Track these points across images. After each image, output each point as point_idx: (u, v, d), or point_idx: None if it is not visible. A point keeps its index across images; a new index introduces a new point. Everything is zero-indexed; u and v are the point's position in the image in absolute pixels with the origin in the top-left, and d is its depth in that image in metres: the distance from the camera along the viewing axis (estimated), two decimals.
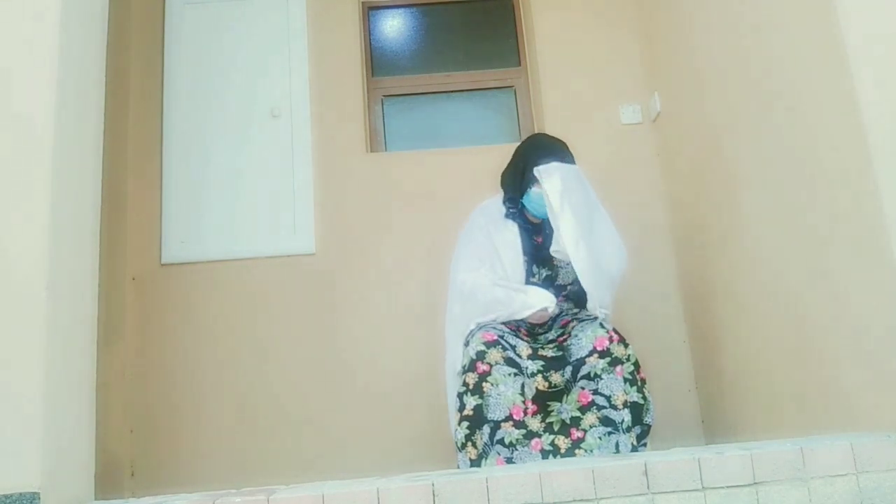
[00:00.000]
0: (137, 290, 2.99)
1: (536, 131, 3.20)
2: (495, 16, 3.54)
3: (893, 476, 1.44)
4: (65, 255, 1.58)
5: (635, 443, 2.07)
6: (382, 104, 3.39)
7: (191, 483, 2.43)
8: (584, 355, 2.13)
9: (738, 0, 2.28)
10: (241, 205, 3.10)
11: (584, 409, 2.10)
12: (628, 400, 2.08)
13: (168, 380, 2.91)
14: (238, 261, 3.04)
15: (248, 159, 3.15)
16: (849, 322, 1.79)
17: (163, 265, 3.03)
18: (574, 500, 1.40)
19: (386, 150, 3.33)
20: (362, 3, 3.45)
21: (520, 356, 2.15)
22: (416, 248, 3.05)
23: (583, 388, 2.12)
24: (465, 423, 2.08)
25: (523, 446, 2.06)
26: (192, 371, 2.92)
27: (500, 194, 2.46)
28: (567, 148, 2.35)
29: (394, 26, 3.55)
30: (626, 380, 2.10)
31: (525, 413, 2.10)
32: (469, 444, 2.06)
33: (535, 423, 2.10)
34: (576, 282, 2.26)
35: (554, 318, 2.32)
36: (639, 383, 2.12)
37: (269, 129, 3.19)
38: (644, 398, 2.11)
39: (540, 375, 2.13)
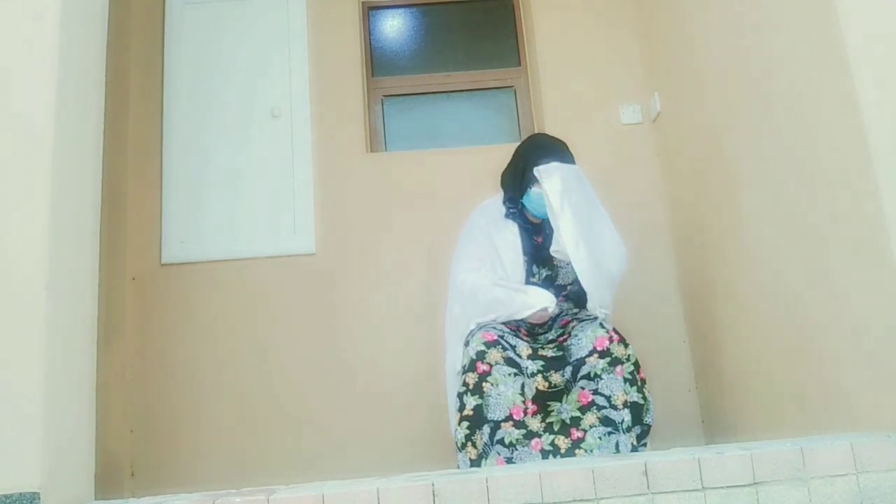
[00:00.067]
0: (137, 290, 2.99)
1: (536, 131, 3.20)
2: (495, 16, 3.54)
3: (893, 476, 1.44)
4: (65, 255, 1.58)
5: (635, 443, 2.07)
6: (382, 104, 3.39)
7: (191, 483, 2.43)
8: (584, 355, 2.13)
9: (738, 0, 2.28)
10: (241, 205, 3.10)
11: (584, 409, 2.10)
12: (628, 400, 2.08)
13: (168, 380, 2.91)
14: (238, 261, 3.04)
15: (248, 159, 3.15)
16: (849, 322, 1.79)
17: (163, 265, 3.03)
18: (574, 500, 1.40)
19: (386, 150, 3.33)
20: (362, 3, 3.46)
21: (520, 356, 2.15)
22: (416, 248, 3.05)
23: (583, 388, 2.12)
24: (465, 423, 2.08)
25: (523, 446, 2.06)
26: (192, 371, 2.92)
27: (501, 194, 2.46)
28: (567, 148, 2.35)
29: (394, 26, 3.55)
30: (626, 380, 2.10)
31: (525, 413, 2.10)
32: (469, 444, 2.06)
33: (535, 423, 2.10)
34: (576, 282, 2.26)
35: (554, 318, 2.32)
36: (639, 383, 2.12)
37: (269, 129, 3.19)
38: (644, 398, 2.11)
39: (540, 375, 2.13)
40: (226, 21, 3.29)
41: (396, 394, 2.90)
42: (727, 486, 1.42)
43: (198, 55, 3.24)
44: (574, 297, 2.37)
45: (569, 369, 2.14)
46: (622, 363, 2.12)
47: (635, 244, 2.61)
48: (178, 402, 2.89)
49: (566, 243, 2.18)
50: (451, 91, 3.43)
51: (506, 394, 2.09)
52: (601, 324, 2.18)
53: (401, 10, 3.56)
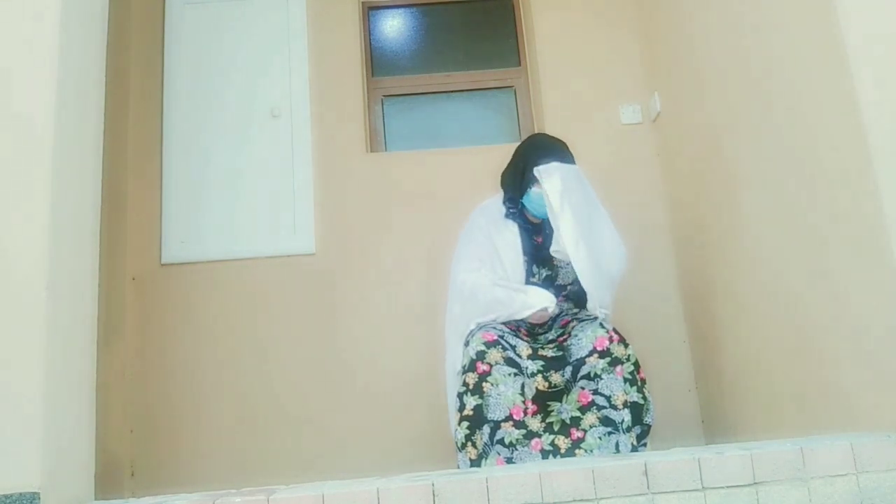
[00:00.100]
0: (137, 290, 2.99)
1: (536, 131, 3.20)
2: (495, 16, 3.54)
3: (893, 476, 1.44)
4: (65, 255, 1.58)
5: (635, 443, 2.07)
6: (382, 104, 3.39)
7: (191, 483, 2.43)
8: (584, 355, 2.13)
9: (738, 0, 2.28)
10: (241, 205, 3.10)
11: (584, 409, 2.10)
12: (628, 400, 2.08)
13: (168, 380, 2.91)
14: (238, 261, 3.04)
15: (248, 159, 3.15)
16: (849, 322, 1.79)
17: (163, 265, 3.03)
18: (574, 500, 1.40)
19: (386, 150, 3.33)
20: (362, 3, 3.46)
21: (520, 356, 2.15)
22: (416, 248, 3.05)
23: (583, 388, 2.12)
24: (465, 423, 2.08)
25: (523, 446, 2.06)
26: (192, 371, 2.92)
27: (501, 194, 2.46)
28: (567, 148, 2.35)
29: (394, 26, 3.55)
30: (626, 380, 2.10)
31: (525, 413, 2.10)
32: (469, 444, 2.06)
33: (535, 423, 2.10)
34: (576, 282, 2.26)
35: (554, 318, 2.32)
36: (639, 383, 2.12)
37: (269, 129, 3.19)
38: (644, 398, 2.11)
39: (540, 375, 2.13)
40: (226, 21, 3.29)
41: (396, 394, 2.90)
42: (727, 486, 1.42)
43: (198, 55, 3.24)
44: (574, 297, 2.37)
45: (569, 369, 2.14)
46: (622, 363, 2.12)
47: (635, 244, 2.61)
48: (178, 402, 2.89)
49: (566, 243, 2.18)
50: (451, 91, 3.43)
51: (506, 394, 2.09)
52: (601, 324, 2.18)
53: (401, 10, 3.56)
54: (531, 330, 2.31)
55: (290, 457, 2.83)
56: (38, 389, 1.45)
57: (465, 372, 2.13)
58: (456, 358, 2.29)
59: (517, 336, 2.23)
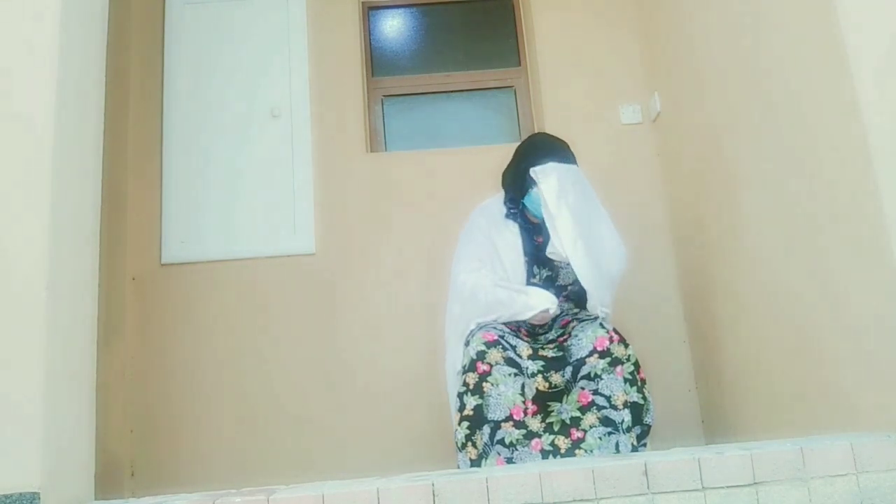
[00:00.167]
0: (137, 290, 2.99)
1: (536, 131, 3.19)
2: (495, 16, 3.54)
3: (893, 476, 1.44)
4: (65, 255, 1.58)
5: (635, 443, 2.06)
6: (382, 104, 3.39)
7: (191, 483, 2.43)
8: (584, 355, 2.13)
9: (738, 0, 2.28)
10: (241, 205, 3.10)
11: (584, 409, 2.10)
12: (628, 400, 2.08)
13: (168, 380, 2.91)
14: (238, 261, 3.04)
15: (248, 159, 3.15)
16: (849, 322, 1.79)
17: (163, 265, 3.03)
18: (574, 500, 1.40)
19: (386, 150, 3.33)
20: (362, 3, 3.46)
21: (520, 356, 2.15)
22: (416, 248, 3.05)
23: (583, 389, 2.12)
24: (466, 423, 2.08)
25: (523, 446, 2.06)
26: (192, 371, 2.92)
27: (501, 194, 2.46)
28: (568, 147, 2.35)
29: (394, 26, 3.55)
30: (626, 380, 2.10)
31: (525, 413, 2.10)
32: (469, 444, 2.06)
33: (535, 424, 2.10)
34: (576, 282, 2.26)
35: (554, 319, 2.32)
36: (639, 383, 2.12)
37: (269, 129, 3.19)
38: (644, 398, 2.11)
39: (540, 376, 2.13)
40: (226, 21, 3.29)
41: (396, 394, 2.90)
42: (727, 486, 1.42)
43: (198, 55, 3.24)
44: (574, 297, 2.37)
45: (569, 369, 2.14)
46: (622, 363, 2.11)
47: (635, 244, 2.61)
48: (178, 402, 2.89)
49: (564, 243, 2.18)
50: (451, 91, 3.43)
51: (506, 394, 2.09)
52: (601, 324, 2.18)
53: (401, 10, 3.56)
54: (531, 330, 2.31)
55: (290, 457, 2.83)
56: (38, 389, 1.45)
57: (465, 372, 2.13)
58: (456, 358, 2.29)
59: (517, 336, 2.23)
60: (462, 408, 2.10)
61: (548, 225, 2.24)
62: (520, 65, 3.46)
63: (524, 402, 2.10)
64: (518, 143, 2.55)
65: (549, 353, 2.17)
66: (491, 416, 2.07)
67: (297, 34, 3.29)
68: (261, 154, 3.16)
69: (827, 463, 1.44)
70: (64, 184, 1.60)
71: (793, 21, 1.94)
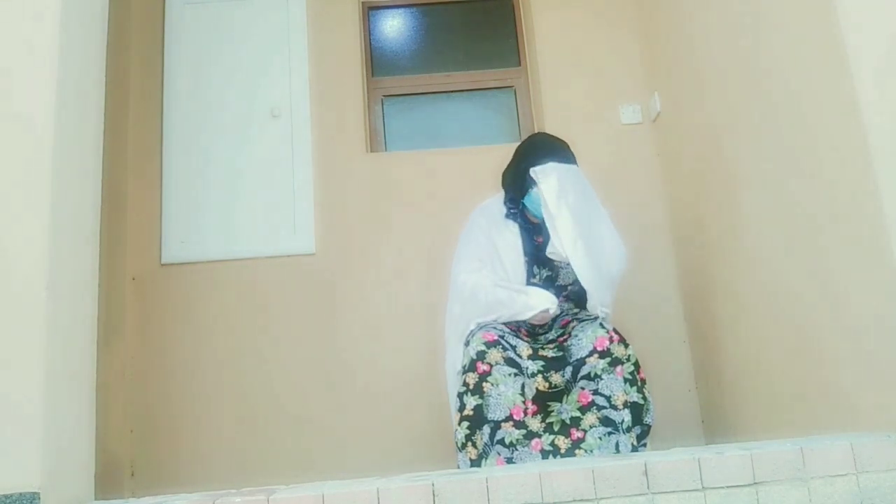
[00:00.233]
0: (137, 290, 2.99)
1: (536, 131, 3.19)
2: (495, 16, 3.54)
3: (893, 476, 1.44)
4: (65, 255, 1.58)
5: (635, 443, 2.06)
6: (382, 104, 3.39)
7: (191, 483, 2.43)
8: (584, 355, 2.13)
9: (738, 0, 2.28)
10: (241, 205, 3.10)
11: (584, 409, 2.10)
12: (628, 400, 2.08)
13: (168, 380, 2.91)
14: (238, 261, 3.04)
15: (248, 159, 3.15)
16: (849, 322, 1.79)
17: (163, 265, 3.03)
18: (574, 500, 1.40)
19: (386, 150, 3.33)
20: (362, 3, 3.46)
21: (520, 356, 2.15)
22: (416, 248, 3.05)
23: (583, 389, 2.12)
24: (466, 423, 2.08)
25: (523, 446, 2.06)
26: (192, 371, 2.92)
27: (501, 194, 2.46)
28: (568, 147, 2.35)
29: (394, 26, 3.55)
30: (626, 380, 2.10)
31: (525, 413, 2.10)
32: (469, 444, 2.06)
33: (535, 424, 2.10)
34: (576, 282, 2.26)
35: (554, 319, 2.32)
36: (639, 383, 2.12)
37: (269, 129, 3.19)
38: (644, 398, 2.11)
39: (540, 376, 2.13)
40: (226, 21, 3.30)
41: (396, 394, 2.90)
42: (727, 486, 1.42)
43: (198, 55, 3.24)
44: (575, 297, 2.37)
45: (569, 369, 2.14)
46: (622, 363, 2.11)
47: (635, 244, 2.61)
48: (178, 402, 2.89)
49: (564, 243, 2.18)
50: (451, 91, 3.43)
51: (506, 394, 2.09)
52: (601, 324, 2.17)
53: (401, 10, 3.56)
54: (531, 330, 2.31)
55: (290, 457, 2.83)
56: (38, 389, 1.45)
57: (465, 372, 2.13)
58: (456, 358, 2.29)
59: (517, 336, 2.23)
60: (462, 408, 2.10)
61: (548, 225, 2.24)
62: (520, 65, 3.46)
63: (524, 402, 2.10)
64: (518, 143, 2.55)
65: (549, 353, 2.17)
66: (491, 416, 2.07)
67: (297, 34, 3.29)
68: (261, 154, 3.16)
69: (827, 463, 1.44)
70: (64, 184, 1.60)
71: (793, 21, 1.94)
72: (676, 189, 3.02)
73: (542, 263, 2.34)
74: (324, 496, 1.39)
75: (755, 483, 1.42)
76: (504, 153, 2.52)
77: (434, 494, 1.40)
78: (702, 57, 2.62)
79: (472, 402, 2.09)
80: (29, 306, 1.48)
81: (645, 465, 1.42)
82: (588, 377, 2.11)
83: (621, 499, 1.40)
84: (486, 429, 2.06)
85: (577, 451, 2.05)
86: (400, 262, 3.05)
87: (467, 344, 2.19)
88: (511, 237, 2.37)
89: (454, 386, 2.24)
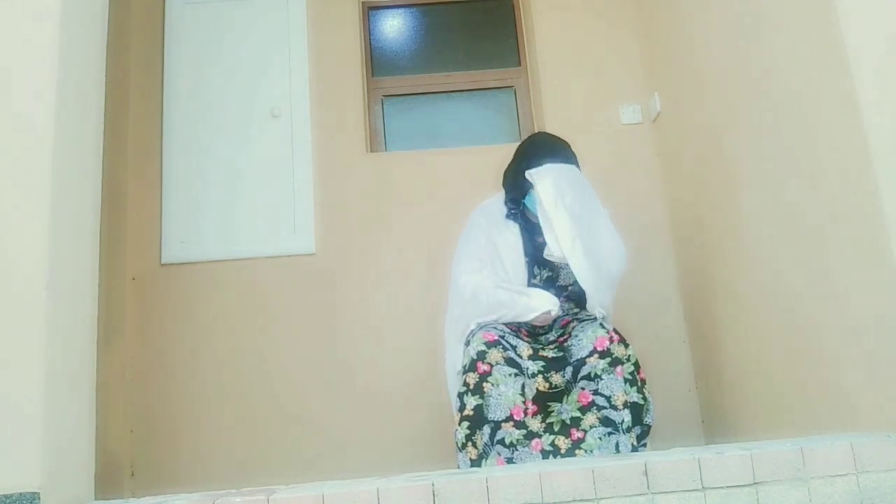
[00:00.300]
0: (137, 290, 2.99)
1: (537, 131, 3.19)
2: (495, 16, 3.54)
3: (893, 476, 1.44)
4: (65, 255, 1.58)
5: (635, 443, 2.06)
6: (382, 104, 3.39)
7: (191, 483, 2.43)
8: (584, 355, 2.12)
9: (738, 0, 2.28)
10: (241, 205, 3.10)
11: (584, 409, 2.10)
12: (628, 400, 2.08)
13: (168, 380, 2.91)
14: (238, 261, 3.04)
15: (248, 159, 3.15)
16: (849, 322, 1.79)
17: (163, 265, 3.03)
18: (574, 500, 1.40)
19: (386, 150, 3.33)
20: (362, 3, 3.46)
21: (520, 356, 2.15)
22: (416, 248, 3.05)
23: (583, 389, 2.12)
24: (466, 424, 2.08)
25: (523, 446, 2.06)
26: (192, 371, 2.92)
27: (501, 194, 2.45)
28: (569, 147, 2.35)
29: (394, 26, 3.55)
30: (626, 380, 2.10)
31: (525, 413, 2.10)
32: (469, 444, 2.06)
33: (535, 424, 2.10)
34: (577, 282, 2.26)
35: (555, 319, 2.31)
36: (639, 383, 2.12)
37: (269, 129, 3.19)
38: (644, 398, 2.11)
39: (540, 376, 2.13)
40: (226, 21, 3.30)
41: (396, 394, 2.90)
42: (727, 486, 1.42)
43: (198, 55, 3.24)
44: (575, 297, 2.37)
45: (569, 370, 2.14)
46: (622, 363, 2.11)
47: (635, 244, 2.61)
48: (178, 402, 2.89)
49: (562, 244, 2.18)
50: (451, 91, 3.43)
51: (506, 394, 2.09)
52: (601, 324, 2.17)
53: (401, 10, 3.56)
54: (532, 330, 2.31)
55: (290, 457, 2.83)
56: (38, 389, 1.44)
57: (465, 372, 2.13)
58: (456, 358, 2.29)
59: (518, 336, 2.23)
60: (462, 408, 2.10)
61: (543, 227, 2.23)
62: (520, 65, 3.46)
63: (524, 403, 2.10)
64: (518, 143, 2.55)
65: (550, 354, 2.17)
66: (491, 416, 2.07)
67: (297, 34, 3.29)
68: (261, 154, 3.16)
69: (827, 463, 1.44)
70: (64, 184, 1.60)
71: (793, 21, 1.94)
72: (676, 189, 3.02)
73: (542, 264, 2.34)
74: (324, 496, 1.39)
75: (755, 483, 1.42)
76: (504, 153, 2.52)
77: (434, 494, 1.40)
78: (702, 57, 2.62)
79: (472, 402, 2.09)
80: (29, 306, 1.48)
81: (645, 465, 1.42)
82: (588, 377, 2.11)
83: (621, 499, 1.40)
84: (487, 429, 2.06)
85: (577, 452, 2.05)
86: (400, 262, 3.05)
87: (468, 344, 2.19)
88: (511, 237, 2.37)
89: (454, 386, 2.24)
